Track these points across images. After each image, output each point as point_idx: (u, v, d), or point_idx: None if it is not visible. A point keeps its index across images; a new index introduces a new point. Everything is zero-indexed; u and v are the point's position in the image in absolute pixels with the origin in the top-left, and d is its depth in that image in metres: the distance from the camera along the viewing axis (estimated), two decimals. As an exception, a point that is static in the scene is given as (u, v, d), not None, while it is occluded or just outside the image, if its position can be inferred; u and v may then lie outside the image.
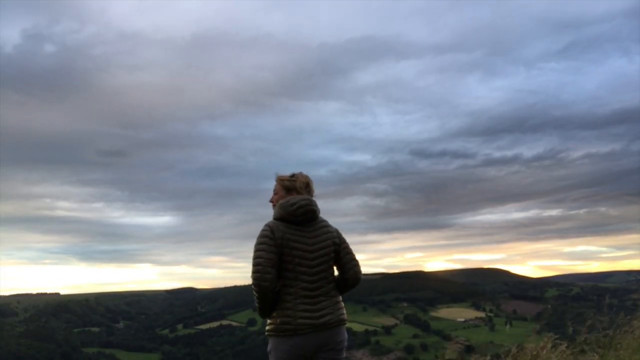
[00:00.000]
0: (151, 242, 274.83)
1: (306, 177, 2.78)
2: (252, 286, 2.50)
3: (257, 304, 2.56)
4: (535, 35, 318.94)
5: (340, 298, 2.68)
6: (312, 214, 2.64)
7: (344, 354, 2.65)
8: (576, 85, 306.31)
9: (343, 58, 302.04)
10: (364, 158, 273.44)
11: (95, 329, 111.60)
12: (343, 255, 2.68)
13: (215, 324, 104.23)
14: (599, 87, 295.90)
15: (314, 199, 2.73)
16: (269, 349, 2.60)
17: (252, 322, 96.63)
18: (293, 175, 2.78)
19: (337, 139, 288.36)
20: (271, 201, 2.83)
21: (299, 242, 2.57)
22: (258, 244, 2.53)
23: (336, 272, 2.73)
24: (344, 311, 2.65)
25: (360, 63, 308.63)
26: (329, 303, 2.58)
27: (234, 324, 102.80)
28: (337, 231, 2.72)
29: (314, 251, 2.59)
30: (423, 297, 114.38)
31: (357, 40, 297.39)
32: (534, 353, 4.46)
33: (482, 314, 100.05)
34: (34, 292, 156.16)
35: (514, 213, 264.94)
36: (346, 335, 2.65)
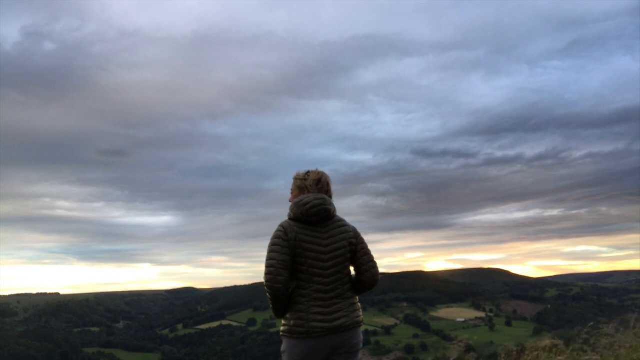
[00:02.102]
0: (151, 242, 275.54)
1: (319, 173, 2.68)
2: (265, 287, 2.46)
3: (270, 305, 2.54)
4: (538, 33, 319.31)
5: (357, 299, 2.61)
6: (326, 214, 2.54)
7: (359, 356, 2.60)
8: (580, 83, 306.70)
9: (345, 56, 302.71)
10: (365, 157, 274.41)
11: (95, 329, 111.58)
12: (360, 255, 2.60)
13: (215, 324, 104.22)
14: (603, 86, 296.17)
15: (327, 197, 2.63)
16: (283, 349, 2.57)
17: (252, 322, 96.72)
18: (307, 173, 2.70)
19: (339, 138, 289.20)
20: (290, 201, 2.75)
21: (312, 242, 2.50)
22: (271, 245, 2.48)
23: (353, 273, 2.67)
24: (360, 313, 2.58)
25: (362, 61, 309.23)
26: (343, 305, 2.51)
27: (234, 324, 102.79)
28: (354, 230, 2.63)
29: (328, 252, 2.51)
30: (423, 297, 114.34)
31: (360, 38, 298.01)
32: (534, 353, 4.47)
33: (482, 314, 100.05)
34: (34, 292, 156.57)
35: (514, 213, 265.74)
36: (361, 337, 2.59)
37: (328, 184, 2.69)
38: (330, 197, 2.70)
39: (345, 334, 2.49)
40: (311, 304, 2.47)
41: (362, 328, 2.62)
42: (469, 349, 54.98)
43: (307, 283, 2.49)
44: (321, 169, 2.73)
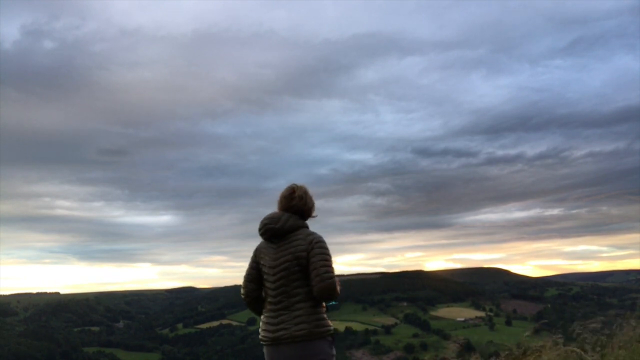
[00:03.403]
0: (151, 241, 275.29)
1: (288, 189, 2.79)
2: None
3: None
4: (540, 32, 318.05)
5: (308, 312, 2.57)
6: (271, 232, 2.69)
7: None
8: (581, 82, 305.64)
9: (346, 55, 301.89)
10: (365, 157, 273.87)
11: (95, 329, 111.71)
12: (310, 269, 2.58)
13: (215, 324, 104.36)
14: (604, 85, 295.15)
15: (283, 214, 2.72)
16: None
17: (252, 321, 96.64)
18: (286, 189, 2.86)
19: (339, 138, 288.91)
20: None
21: (265, 258, 2.72)
22: None
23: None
24: (307, 326, 2.54)
25: (363, 60, 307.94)
26: (287, 317, 2.57)
27: (234, 323, 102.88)
28: (310, 243, 2.62)
29: (275, 266, 2.66)
30: (423, 296, 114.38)
31: (361, 37, 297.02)
32: (535, 353, 4.48)
33: (482, 314, 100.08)
34: (34, 291, 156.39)
35: (515, 212, 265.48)
36: (317, 351, 2.53)
37: (301, 199, 2.75)
38: (302, 211, 2.76)
39: (288, 346, 2.55)
40: (266, 315, 2.69)
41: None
42: (467, 347, 55.03)
43: (265, 295, 2.75)
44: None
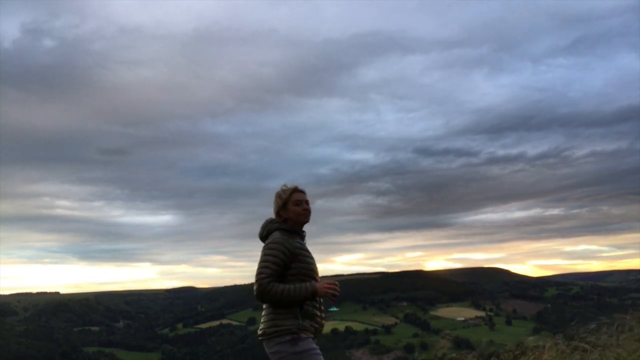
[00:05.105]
0: (151, 241, 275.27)
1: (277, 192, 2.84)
2: None
3: None
4: (542, 31, 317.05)
5: (271, 311, 2.61)
6: (261, 240, 2.78)
7: None
8: (584, 82, 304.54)
9: (347, 53, 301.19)
10: (366, 156, 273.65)
11: (95, 328, 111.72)
12: None
13: (215, 323, 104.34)
14: (607, 84, 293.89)
15: (267, 220, 2.82)
16: None
17: (251, 321, 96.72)
18: None
19: (340, 137, 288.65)
20: None
21: None
22: None
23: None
24: (263, 326, 2.63)
25: (364, 59, 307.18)
26: (261, 317, 2.70)
27: (234, 323, 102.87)
28: (265, 246, 2.68)
29: None
30: (423, 296, 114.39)
31: (362, 36, 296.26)
32: (535, 353, 4.48)
33: (482, 313, 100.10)
34: (34, 291, 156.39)
35: (515, 212, 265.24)
36: (273, 350, 2.57)
37: (274, 203, 2.81)
38: (277, 215, 2.79)
39: (263, 344, 2.66)
40: None
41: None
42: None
43: None
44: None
